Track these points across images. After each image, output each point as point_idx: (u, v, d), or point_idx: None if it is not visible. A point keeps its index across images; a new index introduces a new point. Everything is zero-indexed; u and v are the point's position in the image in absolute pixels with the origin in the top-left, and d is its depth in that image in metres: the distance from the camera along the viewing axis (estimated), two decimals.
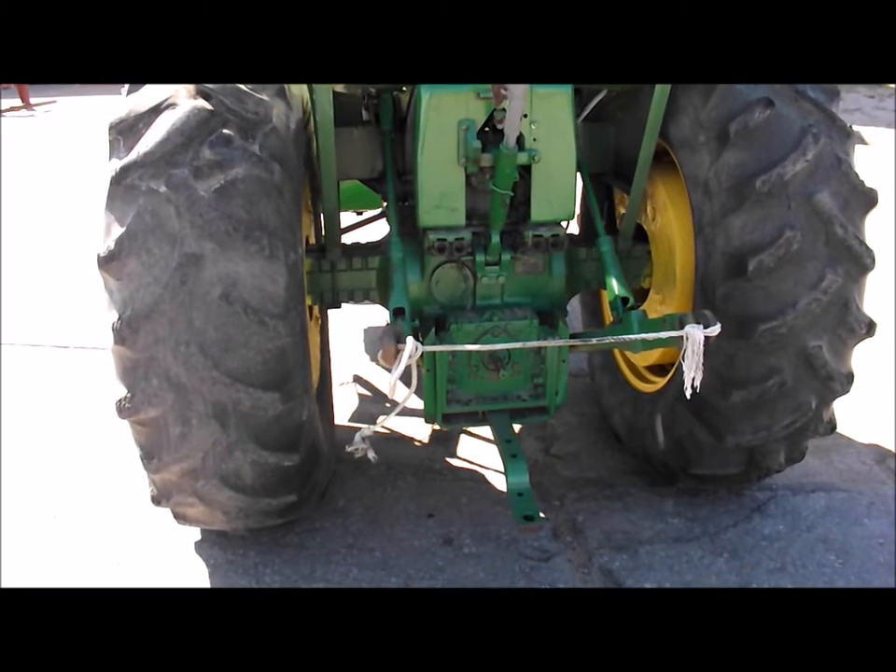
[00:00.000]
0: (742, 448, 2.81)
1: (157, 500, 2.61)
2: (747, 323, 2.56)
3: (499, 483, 3.37)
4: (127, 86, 2.39)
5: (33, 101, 14.10)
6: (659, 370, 3.31)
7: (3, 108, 13.26)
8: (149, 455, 2.43)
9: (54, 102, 14.24)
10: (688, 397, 2.42)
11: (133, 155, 2.22)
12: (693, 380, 2.38)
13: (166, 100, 2.27)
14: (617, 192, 3.45)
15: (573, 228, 3.23)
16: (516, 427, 3.23)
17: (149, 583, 2.81)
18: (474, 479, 3.43)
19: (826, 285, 2.51)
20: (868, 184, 2.57)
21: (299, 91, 2.64)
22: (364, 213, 4.24)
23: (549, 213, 2.73)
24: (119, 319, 2.24)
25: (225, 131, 2.25)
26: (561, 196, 2.71)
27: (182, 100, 2.26)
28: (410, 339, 2.26)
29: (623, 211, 3.30)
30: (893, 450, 3.63)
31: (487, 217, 2.67)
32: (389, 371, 2.26)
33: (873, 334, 2.67)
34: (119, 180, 2.22)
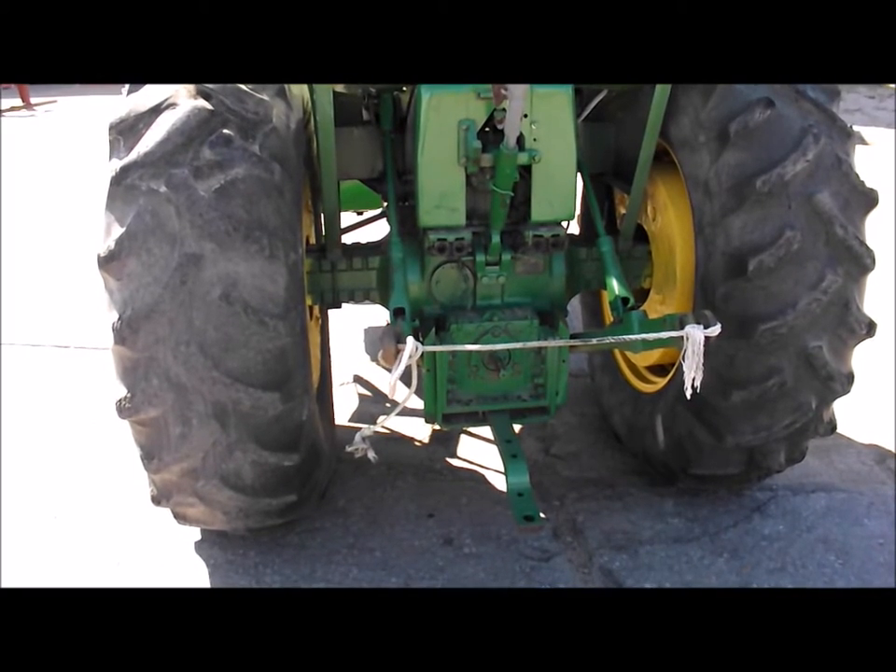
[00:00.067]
0: (742, 448, 2.81)
1: (157, 500, 2.61)
2: (747, 323, 2.56)
3: (499, 483, 3.37)
4: (127, 86, 2.39)
5: (33, 101, 14.10)
6: (659, 370, 3.31)
7: (3, 108, 13.26)
8: (149, 455, 2.43)
9: (54, 102, 14.24)
10: (688, 397, 2.42)
11: (133, 155, 2.22)
12: (694, 380, 2.38)
13: (166, 100, 2.27)
14: (617, 192, 3.45)
15: (573, 228, 3.23)
16: (516, 428, 3.23)
17: (149, 583, 2.81)
18: (474, 479, 3.43)
19: (826, 285, 2.51)
20: (868, 184, 2.57)
21: (299, 90, 2.64)
22: (364, 213, 4.24)
23: (549, 213, 2.72)
24: (119, 319, 2.24)
25: (225, 131, 2.25)
26: (561, 196, 2.71)
27: (182, 100, 2.26)
28: (410, 339, 2.26)
29: (623, 211, 3.30)
30: (893, 450, 3.63)
31: (487, 217, 2.67)
32: (389, 370, 2.26)
33: (873, 334, 2.67)
34: (119, 180, 2.22)
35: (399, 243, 2.79)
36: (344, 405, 3.97)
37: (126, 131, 2.28)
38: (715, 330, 2.34)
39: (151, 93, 2.30)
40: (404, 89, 3.01)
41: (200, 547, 2.99)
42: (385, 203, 3.45)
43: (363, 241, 3.24)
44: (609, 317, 3.44)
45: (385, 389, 4.06)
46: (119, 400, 2.34)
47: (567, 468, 3.51)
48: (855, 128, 2.68)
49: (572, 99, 2.60)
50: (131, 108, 2.30)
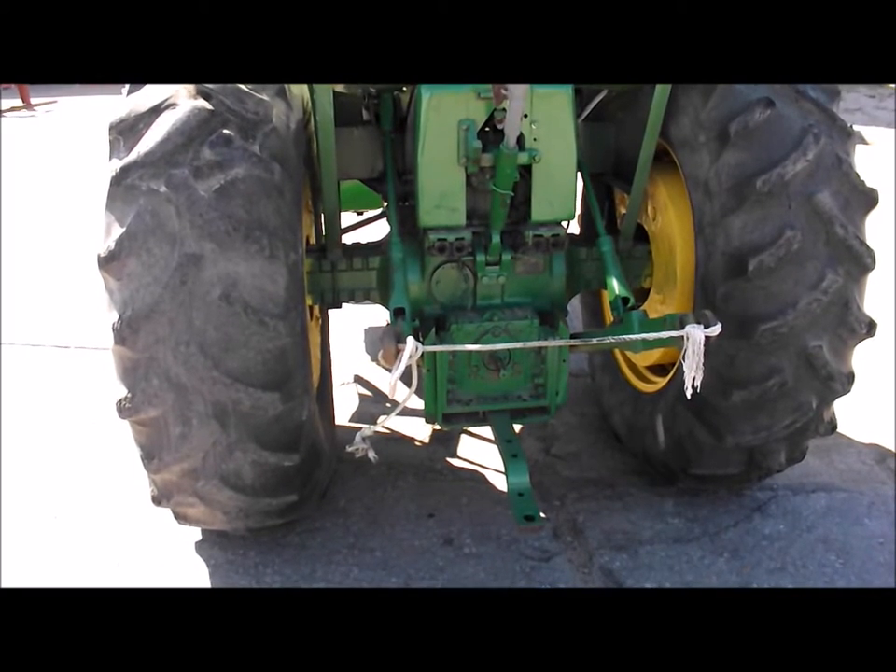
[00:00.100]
0: (742, 448, 2.81)
1: (157, 500, 2.61)
2: (747, 323, 2.56)
3: (500, 482, 3.37)
4: (127, 86, 2.39)
5: (33, 101, 14.10)
6: (659, 370, 3.31)
7: (3, 108, 13.26)
8: (150, 456, 2.43)
9: (54, 102, 14.24)
10: (688, 397, 2.42)
11: (133, 155, 2.22)
12: (694, 380, 2.38)
13: (166, 100, 2.27)
14: (617, 192, 3.45)
15: (573, 228, 3.23)
16: (516, 427, 3.23)
17: (149, 583, 2.81)
18: (474, 479, 3.43)
19: (826, 285, 2.50)
20: (868, 184, 2.57)
21: (299, 90, 2.64)
22: (364, 213, 4.24)
23: (549, 213, 2.72)
24: (119, 319, 2.24)
25: (225, 131, 2.25)
26: (561, 196, 2.71)
27: (182, 100, 2.26)
28: (410, 339, 2.26)
29: (623, 211, 3.30)
30: (893, 450, 3.63)
31: (488, 216, 2.67)
32: (389, 371, 2.26)
33: (873, 334, 2.67)
34: (119, 180, 2.22)
35: (399, 243, 2.79)
36: (345, 405, 3.97)
37: (126, 131, 2.28)
38: (715, 330, 2.34)
39: (151, 93, 2.30)
40: (404, 89, 3.01)
41: (200, 547, 2.99)
42: (385, 203, 3.45)
43: (363, 241, 3.24)
44: (609, 317, 3.44)
45: (385, 389, 4.06)
46: (120, 400, 2.34)
47: (567, 468, 3.51)
48: (855, 127, 2.68)
49: (572, 99, 2.60)
50: (131, 108, 2.30)
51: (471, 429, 3.65)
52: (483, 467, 3.49)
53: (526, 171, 2.64)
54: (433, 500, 3.27)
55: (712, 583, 2.83)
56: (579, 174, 2.85)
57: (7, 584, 2.79)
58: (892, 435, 3.71)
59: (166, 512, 2.67)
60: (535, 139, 2.57)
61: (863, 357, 2.98)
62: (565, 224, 2.80)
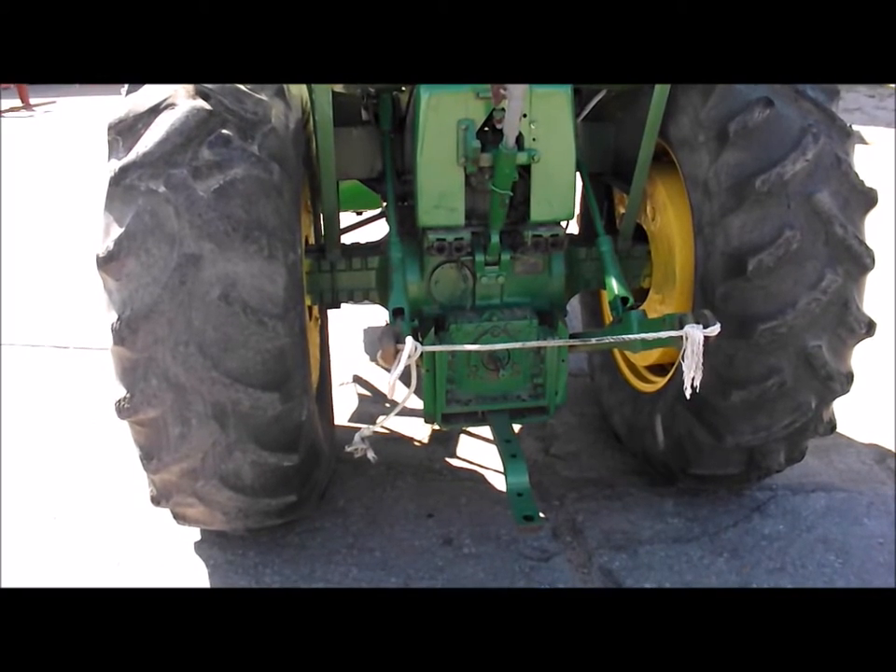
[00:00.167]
0: (742, 448, 2.81)
1: (156, 501, 2.61)
2: (746, 323, 2.56)
3: (499, 483, 3.37)
4: (126, 86, 2.38)
5: (33, 101, 14.10)
6: (659, 369, 3.31)
7: (3, 108, 13.26)
8: (149, 456, 2.43)
9: (54, 102, 14.24)
10: (688, 397, 2.42)
11: (132, 155, 2.22)
12: (693, 380, 2.38)
13: (165, 100, 2.27)
14: (617, 192, 3.45)
15: (573, 227, 3.23)
16: (516, 427, 3.23)
17: (149, 583, 2.81)
18: (474, 479, 3.43)
19: (826, 284, 2.50)
20: (868, 184, 2.57)
21: (298, 90, 2.64)
22: (364, 213, 4.24)
23: (548, 213, 2.72)
24: (118, 320, 2.24)
25: (224, 131, 2.25)
26: (560, 196, 2.71)
27: (181, 100, 2.26)
28: (409, 339, 2.26)
29: (622, 211, 3.30)
30: (893, 450, 3.63)
31: (487, 216, 2.67)
32: (389, 371, 2.26)
33: (873, 334, 2.67)
34: (118, 180, 2.22)
35: (398, 243, 2.79)
36: (344, 405, 3.97)
37: (125, 131, 2.28)
38: (714, 330, 2.34)
39: (150, 94, 2.29)
40: (403, 89, 3.01)
41: (199, 547, 2.99)
42: (385, 203, 3.45)
43: (362, 241, 3.24)
44: (608, 317, 3.44)
45: (384, 389, 4.06)
46: (119, 401, 2.34)
47: (566, 467, 3.50)
48: (855, 127, 2.68)
49: (571, 99, 2.60)
50: (129, 109, 2.30)
51: (470, 429, 3.65)
52: (482, 467, 3.49)
53: (525, 171, 2.64)
54: (432, 500, 3.27)
55: (712, 583, 2.82)
56: (578, 173, 2.85)
57: (7, 584, 2.79)
58: (892, 435, 3.71)
59: (165, 513, 2.67)
60: (534, 139, 2.57)
61: (863, 356, 2.98)
62: (564, 224, 2.80)
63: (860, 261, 2.55)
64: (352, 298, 3.03)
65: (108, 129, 2.31)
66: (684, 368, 2.38)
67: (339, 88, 2.74)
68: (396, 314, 2.58)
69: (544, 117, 2.57)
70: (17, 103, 14.00)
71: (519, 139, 2.48)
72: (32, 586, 2.78)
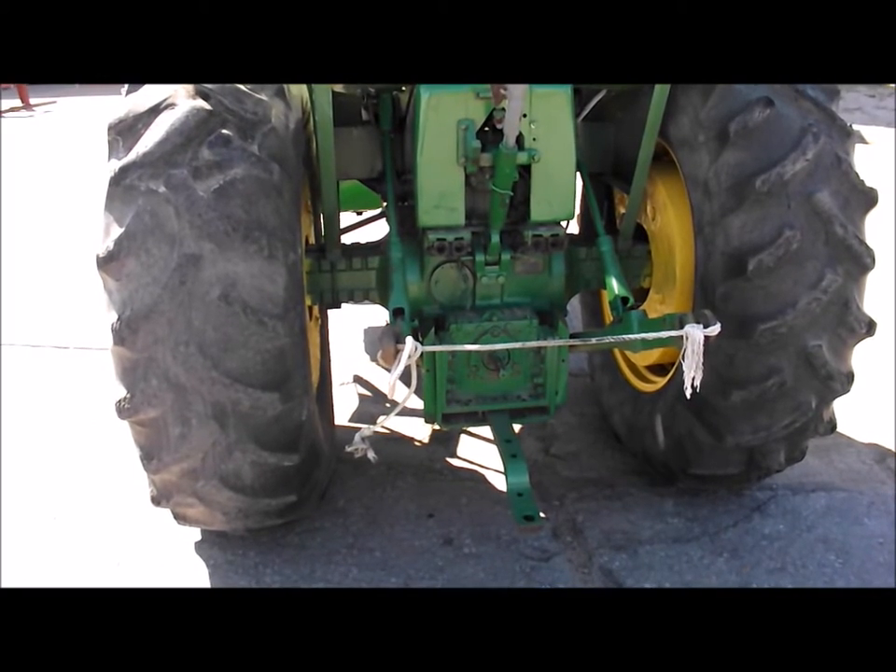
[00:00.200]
0: (742, 448, 2.81)
1: (157, 501, 2.61)
2: (746, 323, 2.56)
3: (499, 483, 3.37)
4: (126, 86, 2.38)
5: (33, 101, 14.11)
6: (659, 369, 3.31)
7: (3, 108, 13.26)
8: (149, 456, 2.43)
9: (54, 102, 14.25)
10: (688, 396, 2.42)
11: (132, 155, 2.22)
12: (693, 380, 2.38)
13: (165, 100, 2.27)
14: (617, 192, 3.45)
15: (573, 227, 3.23)
16: (516, 427, 3.23)
17: (149, 583, 2.81)
18: (474, 479, 3.42)
19: (826, 284, 2.50)
20: (868, 183, 2.57)
21: (298, 90, 2.64)
22: (364, 213, 4.24)
23: (548, 212, 2.72)
24: (118, 320, 2.24)
25: (224, 131, 2.25)
26: (561, 196, 2.70)
27: (181, 100, 2.26)
28: (409, 339, 2.26)
29: (622, 211, 3.30)
30: (893, 450, 3.62)
31: (487, 216, 2.67)
32: (389, 371, 2.26)
33: (873, 334, 2.67)
34: (118, 181, 2.22)
35: (398, 243, 2.79)
36: (344, 405, 3.97)
37: (125, 131, 2.28)
38: (714, 330, 2.34)
39: (150, 94, 2.29)
40: (403, 89, 3.01)
41: (200, 547, 2.99)
42: (385, 203, 3.45)
43: (362, 241, 3.24)
44: (608, 317, 3.44)
45: (384, 389, 4.06)
46: (119, 401, 2.34)
47: (566, 467, 3.50)
48: (855, 127, 2.68)
49: (571, 99, 2.60)
50: (129, 109, 2.30)
51: (471, 429, 3.65)
52: (482, 467, 3.49)
53: (525, 171, 2.64)
54: (433, 500, 3.27)
55: (712, 583, 2.82)
56: (578, 173, 2.85)
57: (7, 584, 2.79)
58: (892, 435, 3.70)
59: (166, 513, 2.67)
60: (534, 139, 2.57)
61: (863, 356, 2.98)
62: (564, 224, 2.80)
63: (860, 261, 2.55)
64: (352, 298, 3.03)
65: (108, 129, 2.31)
66: (684, 368, 2.38)
67: (339, 88, 2.74)
68: (396, 314, 2.58)
69: (544, 117, 2.57)
70: (17, 103, 14.01)
71: (519, 139, 2.48)
72: (32, 586, 2.78)
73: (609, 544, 3.01)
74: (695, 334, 2.34)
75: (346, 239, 3.18)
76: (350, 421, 3.86)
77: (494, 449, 2.89)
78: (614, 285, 2.75)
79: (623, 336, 2.53)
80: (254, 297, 2.26)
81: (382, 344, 2.27)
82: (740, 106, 2.53)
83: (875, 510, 3.21)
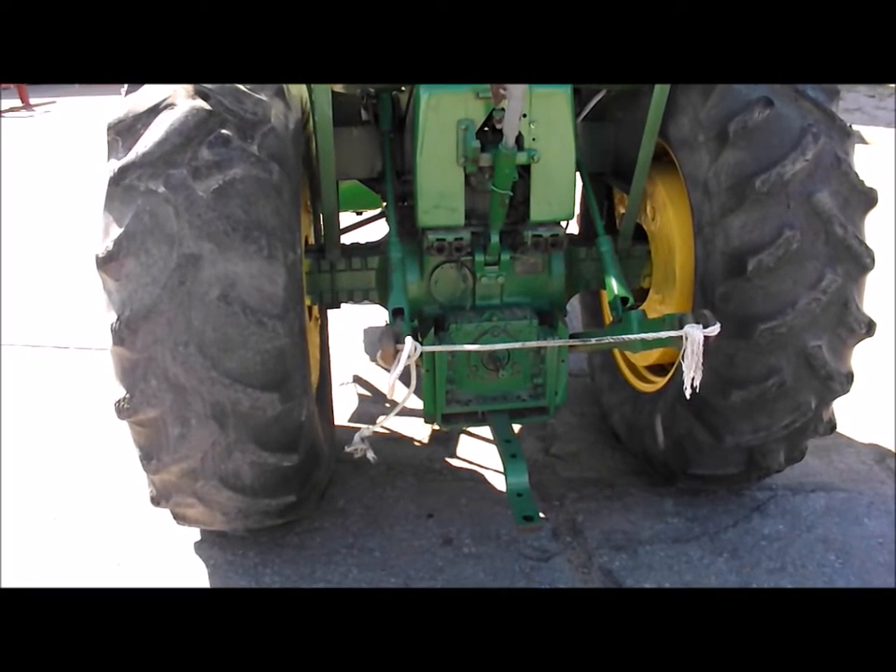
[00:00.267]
0: (742, 448, 2.81)
1: (156, 501, 2.61)
2: (746, 323, 2.56)
3: (499, 483, 3.37)
4: (126, 86, 2.38)
5: (33, 101, 14.12)
6: (659, 369, 3.31)
7: (3, 108, 13.26)
8: (148, 456, 2.43)
9: (54, 102, 14.25)
10: (687, 396, 2.42)
11: (131, 155, 2.22)
12: (693, 380, 2.37)
13: (164, 100, 2.27)
14: (616, 192, 3.45)
15: (573, 227, 3.23)
16: (516, 427, 3.23)
17: (149, 584, 2.81)
18: (474, 479, 3.42)
19: (826, 284, 2.50)
20: (868, 183, 2.57)
21: (298, 90, 2.64)
22: (363, 213, 4.24)
23: (548, 213, 2.72)
24: (117, 320, 2.24)
25: (223, 131, 2.24)
26: (560, 196, 2.70)
27: (180, 100, 2.26)
28: (409, 339, 2.26)
29: (622, 211, 3.30)
30: (893, 450, 3.62)
31: (486, 216, 2.67)
32: (389, 371, 2.25)
33: (872, 334, 2.67)
34: (117, 181, 2.22)
35: (397, 243, 2.79)
36: (344, 405, 3.97)
37: (124, 131, 2.28)
38: (714, 330, 2.34)
39: (149, 94, 2.29)
40: (403, 89, 3.01)
41: (199, 547, 2.99)
42: (384, 203, 3.45)
43: (362, 241, 3.24)
44: (608, 317, 3.44)
45: (384, 389, 4.06)
46: (118, 401, 2.34)
47: (566, 467, 3.50)
48: (855, 127, 2.68)
49: (571, 99, 2.60)
50: (129, 109, 2.30)
51: (470, 429, 3.65)
52: (482, 467, 3.49)
53: (525, 171, 2.64)
54: (432, 500, 3.27)
55: (711, 583, 2.82)
56: (578, 173, 2.85)
57: (6, 584, 2.79)
58: (892, 435, 3.70)
59: (165, 513, 2.67)
60: (534, 139, 2.57)
61: (863, 356, 2.98)
62: (564, 224, 2.80)
63: (860, 261, 2.55)
64: (352, 298, 3.03)
65: (108, 129, 2.31)
66: (684, 368, 2.38)
67: (339, 88, 2.74)
68: (396, 314, 2.58)
69: (544, 117, 2.57)
70: (17, 103, 14.01)
71: (519, 139, 2.48)
72: (32, 586, 2.78)
73: (609, 544, 3.01)
74: (695, 334, 2.34)
75: (346, 239, 3.18)
76: (350, 421, 3.86)
77: (493, 449, 2.89)
78: (614, 285, 2.75)
79: (623, 336, 2.53)
80: (253, 297, 2.26)
81: (381, 344, 2.27)
82: (740, 106, 2.53)
83: (875, 510, 3.21)
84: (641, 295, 3.27)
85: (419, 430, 3.74)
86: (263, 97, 2.36)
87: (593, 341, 2.68)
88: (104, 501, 3.26)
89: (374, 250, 3.02)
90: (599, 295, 3.79)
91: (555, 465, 3.52)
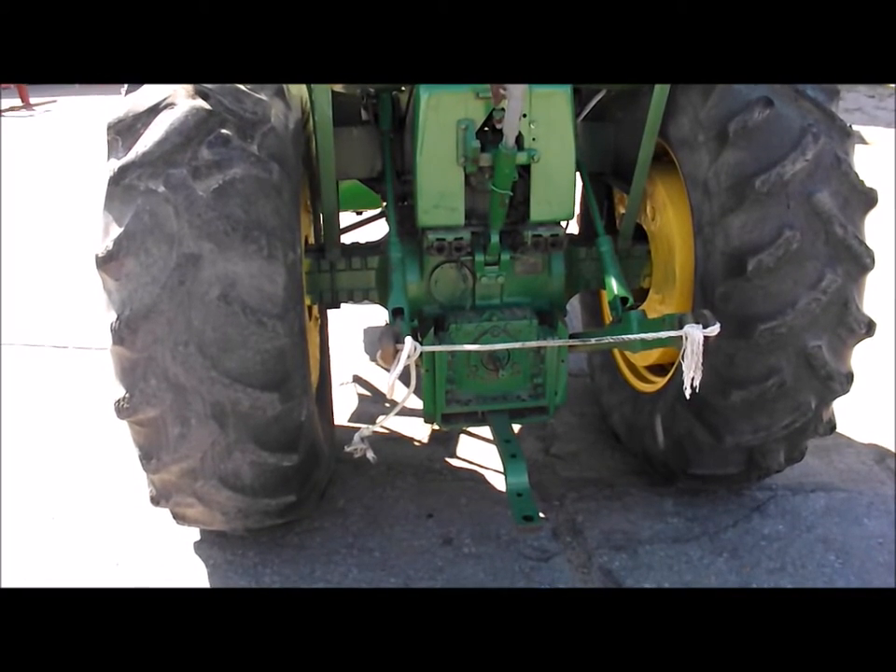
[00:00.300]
0: (742, 448, 2.81)
1: (156, 501, 2.61)
2: (746, 323, 2.56)
3: (499, 482, 3.37)
4: (126, 86, 2.38)
5: (33, 101, 14.10)
6: (659, 369, 3.31)
7: (3, 108, 13.26)
8: (148, 456, 2.43)
9: (54, 102, 14.24)
10: (687, 396, 2.42)
11: (131, 155, 2.22)
12: (693, 380, 2.38)
13: (164, 100, 2.27)
14: (616, 192, 3.45)
15: (573, 227, 3.23)
16: (516, 427, 3.23)
17: (149, 583, 2.81)
18: (474, 479, 3.42)
19: (826, 284, 2.50)
20: (868, 184, 2.57)
21: (298, 90, 2.64)
22: (363, 213, 4.24)
23: (548, 212, 2.72)
24: (117, 319, 2.24)
25: (223, 131, 2.24)
26: (560, 196, 2.70)
27: (180, 100, 2.26)
28: (408, 339, 2.26)
29: (622, 211, 3.30)
30: (893, 450, 3.62)
31: (486, 216, 2.67)
32: (388, 371, 2.25)
33: (872, 334, 2.67)
34: (117, 180, 2.22)
35: (397, 243, 2.78)
36: (344, 405, 3.97)
37: (124, 131, 2.28)
38: (714, 330, 2.34)
39: (149, 93, 2.29)
40: (403, 89, 3.01)
41: (199, 547, 2.99)
42: (384, 203, 3.45)
43: (362, 241, 3.24)
44: (608, 317, 3.43)
45: (384, 389, 4.06)
46: (118, 401, 2.33)
47: (566, 467, 3.50)
48: (855, 127, 2.68)
49: (571, 99, 2.60)
50: (129, 108, 2.29)
51: (470, 429, 3.65)
52: (482, 467, 3.49)
53: (525, 171, 2.64)
54: (432, 500, 3.27)
55: (711, 583, 2.82)
56: (578, 173, 2.85)
57: (6, 584, 2.79)
58: (892, 435, 3.70)
59: (165, 513, 2.67)
60: (534, 139, 2.57)
61: (863, 356, 2.98)
62: (564, 224, 2.80)
63: (860, 261, 2.55)
64: (352, 298, 3.03)
65: (108, 128, 2.31)
66: (684, 368, 2.38)
67: (339, 88, 2.74)
68: (395, 313, 2.58)
69: (544, 117, 2.57)
70: (17, 102, 14.00)
71: (519, 139, 2.48)
72: (31, 586, 2.78)
73: (609, 544, 3.01)
74: (695, 334, 2.34)
75: (346, 239, 3.18)
76: (350, 421, 3.86)
77: (493, 449, 2.89)
78: (614, 285, 2.75)
79: (623, 336, 2.53)
80: (253, 297, 2.26)
81: (381, 344, 2.27)
82: (740, 106, 2.53)
83: (875, 510, 3.21)
84: (641, 295, 3.26)
85: (419, 430, 3.74)
86: (263, 97, 2.36)
87: (592, 341, 2.68)
88: (103, 501, 3.26)
89: (374, 250, 3.02)
90: (599, 295, 3.79)
91: (555, 465, 3.52)
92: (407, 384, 2.34)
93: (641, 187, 2.93)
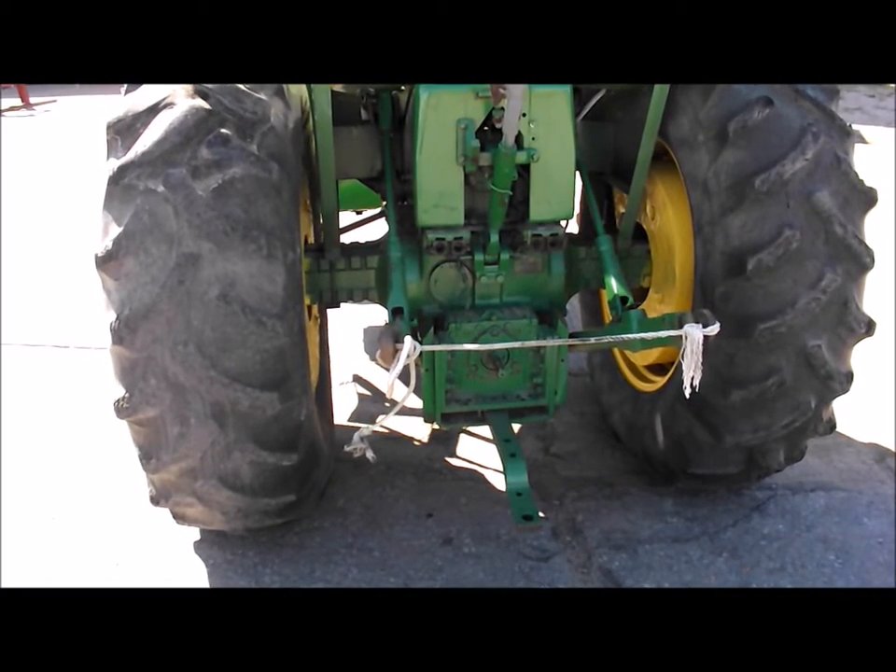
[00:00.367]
0: (741, 447, 2.81)
1: (156, 500, 2.61)
2: (746, 322, 2.55)
3: (499, 482, 3.37)
4: (125, 85, 2.38)
5: (33, 101, 14.11)
6: (658, 369, 3.31)
7: (3, 108, 13.26)
8: (148, 456, 2.43)
9: (54, 102, 14.24)
10: (687, 396, 2.42)
11: (130, 154, 2.22)
12: (693, 379, 2.37)
13: (164, 99, 2.26)
14: (616, 191, 3.45)
15: (572, 227, 3.23)
16: (515, 427, 3.23)
17: (149, 583, 2.81)
18: (473, 478, 3.42)
19: (825, 284, 2.50)
20: (868, 183, 2.57)
21: (297, 90, 2.64)
22: (363, 212, 4.24)
23: (548, 212, 2.72)
24: (117, 319, 2.24)
25: (223, 130, 2.24)
26: (560, 195, 2.70)
27: (180, 99, 2.26)
28: (408, 338, 2.26)
29: (622, 210, 3.30)
30: (893, 449, 3.62)
31: (486, 216, 2.67)
32: (388, 370, 2.25)
33: (872, 333, 2.67)
34: (116, 180, 2.22)
35: (397, 242, 2.78)
36: (343, 405, 3.97)
37: (124, 130, 2.28)
38: (714, 329, 2.34)
39: (149, 93, 2.29)
40: (402, 88, 3.01)
41: (199, 547, 2.99)
42: (384, 203, 3.44)
43: (362, 240, 3.24)
44: (608, 316, 3.43)
45: (383, 389, 4.06)
46: (118, 400, 2.33)
47: (566, 467, 3.50)
48: (855, 127, 2.68)
49: (571, 98, 2.60)
50: (128, 108, 2.29)
51: (470, 429, 3.65)
52: (481, 466, 3.49)
53: (525, 170, 2.64)
54: (432, 500, 3.27)
55: (711, 583, 2.82)
56: (577, 173, 2.85)
57: (6, 584, 2.79)
58: (892, 435, 3.70)
59: (165, 512, 2.67)
60: (533, 138, 2.57)
61: (863, 356, 2.98)
62: (563, 223, 2.80)
63: (859, 261, 2.55)
64: (351, 297, 3.02)
65: (107, 128, 2.31)
66: (684, 367, 2.38)
67: (338, 87, 2.74)
68: (395, 313, 2.58)
69: (543, 116, 2.57)
70: (17, 102, 14.00)
71: (518, 138, 2.48)
72: (31, 586, 2.78)
73: (609, 544, 3.01)
74: (695, 334, 2.34)
75: (346, 238, 3.18)
76: (349, 421, 3.86)
77: (493, 449, 2.89)
78: (613, 284, 2.75)
79: (623, 336, 2.53)
80: (253, 296, 2.26)
81: (381, 344, 2.27)
82: (740, 106, 2.53)
83: (875, 509, 3.21)
84: (641, 294, 3.27)
85: (419, 430, 3.74)
86: (263, 96, 2.36)
87: (592, 340, 2.68)
88: (103, 501, 3.26)
89: (374, 249, 3.02)
90: (599, 294, 3.78)
91: (555, 464, 3.52)
92: (407, 383, 2.34)
93: (641, 186, 2.93)
